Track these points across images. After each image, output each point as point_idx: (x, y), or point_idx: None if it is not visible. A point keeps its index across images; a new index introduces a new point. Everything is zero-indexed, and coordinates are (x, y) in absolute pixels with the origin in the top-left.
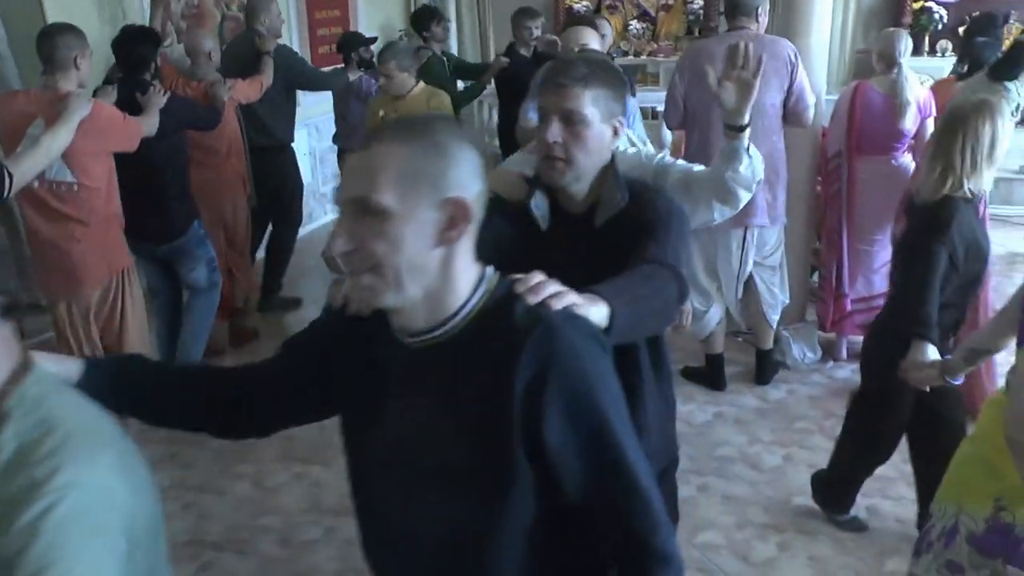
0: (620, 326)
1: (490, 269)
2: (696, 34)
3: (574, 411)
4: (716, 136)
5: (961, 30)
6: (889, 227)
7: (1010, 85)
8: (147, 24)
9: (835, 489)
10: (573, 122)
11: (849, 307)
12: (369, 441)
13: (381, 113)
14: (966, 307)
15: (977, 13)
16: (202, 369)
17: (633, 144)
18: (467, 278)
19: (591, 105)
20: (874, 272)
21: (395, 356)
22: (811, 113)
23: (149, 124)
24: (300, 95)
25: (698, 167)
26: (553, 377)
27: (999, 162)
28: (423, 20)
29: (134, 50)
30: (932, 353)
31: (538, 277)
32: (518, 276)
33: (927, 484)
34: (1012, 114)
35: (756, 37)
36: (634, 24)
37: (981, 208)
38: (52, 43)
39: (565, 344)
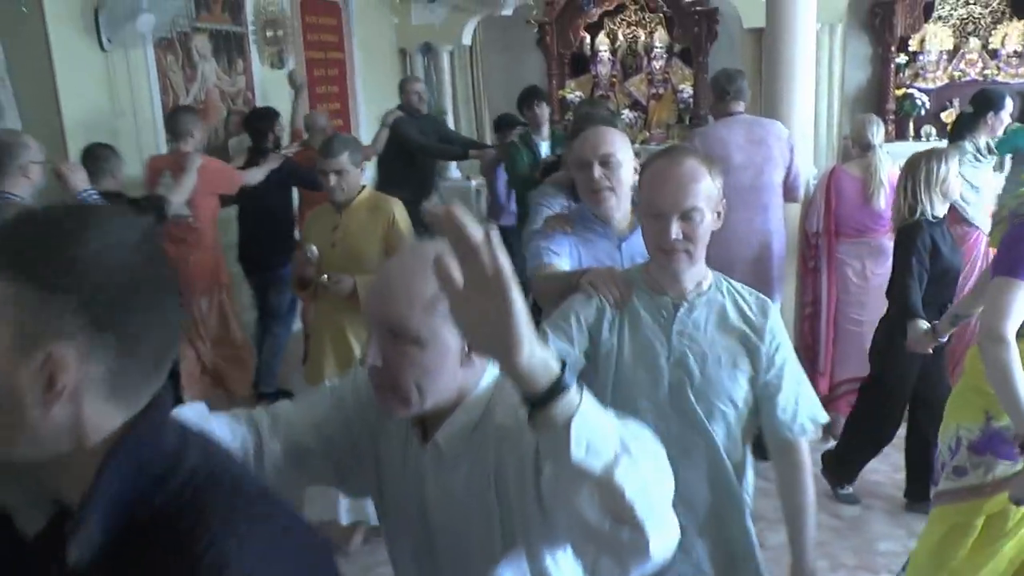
0: None
1: None
2: (687, 122)
3: None
4: (735, 221)
5: (944, 115)
6: (877, 308)
7: (965, 144)
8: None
9: (844, 465)
10: None
11: (827, 386)
12: None
13: (332, 243)
14: (945, 297)
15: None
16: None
17: None
18: None
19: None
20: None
21: None
22: (803, 190)
23: (253, 176)
24: None
25: None
26: None
27: (950, 194)
28: (520, 102)
29: (256, 125)
30: (924, 326)
31: None
32: None
33: (919, 457)
34: (969, 160)
35: (751, 120)
36: (626, 113)
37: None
38: (176, 120)
39: None
